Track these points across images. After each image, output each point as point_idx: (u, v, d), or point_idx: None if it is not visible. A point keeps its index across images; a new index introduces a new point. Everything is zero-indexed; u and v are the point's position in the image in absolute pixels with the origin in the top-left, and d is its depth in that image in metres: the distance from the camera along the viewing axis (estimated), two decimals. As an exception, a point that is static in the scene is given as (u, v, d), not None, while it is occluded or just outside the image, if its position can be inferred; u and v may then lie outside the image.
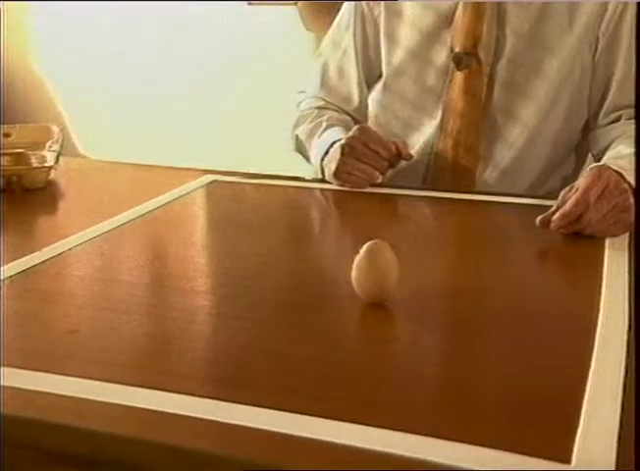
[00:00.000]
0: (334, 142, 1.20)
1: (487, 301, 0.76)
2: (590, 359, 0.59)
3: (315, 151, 1.26)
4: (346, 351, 0.66)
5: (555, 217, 0.94)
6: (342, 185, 1.19)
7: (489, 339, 0.67)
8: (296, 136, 1.35)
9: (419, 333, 0.68)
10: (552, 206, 0.96)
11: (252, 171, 1.30)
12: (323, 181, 1.22)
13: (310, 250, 0.99)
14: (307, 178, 1.27)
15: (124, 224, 1.04)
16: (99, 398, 0.59)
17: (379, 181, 1.17)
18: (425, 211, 1.16)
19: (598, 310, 0.71)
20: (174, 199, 1.17)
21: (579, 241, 0.93)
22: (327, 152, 1.21)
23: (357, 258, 0.72)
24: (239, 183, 1.27)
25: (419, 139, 1.29)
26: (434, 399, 0.57)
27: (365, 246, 0.72)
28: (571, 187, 0.98)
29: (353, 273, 0.72)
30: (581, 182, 0.96)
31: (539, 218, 0.95)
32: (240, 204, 1.18)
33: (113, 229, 1.02)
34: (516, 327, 0.68)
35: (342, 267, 0.78)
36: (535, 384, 0.57)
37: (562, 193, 0.98)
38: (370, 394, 0.58)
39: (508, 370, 0.60)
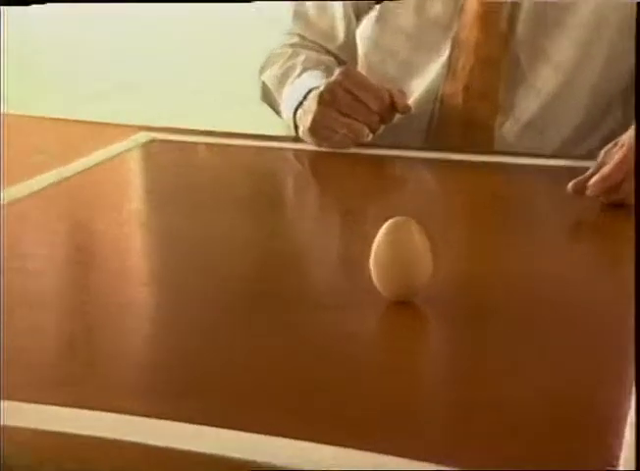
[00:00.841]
0: (311, 90, 1.08)
1: (515, 293, 0.67)
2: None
3: (287, 102, 1.14)
4: (348, 366, 0.56)
5: (592, 181, 0.85)
6: (320, 145, 1.07)
7: (530, 346, 0.59)
8: (263, 83, 1.23)
9: (448, 338, 0.62)
10: (589, 169, 0.87)
11: (202, 128, 1.18)
12: (297, 139, 1.10)
13: (285, 227, 0.89)
14: (276, 135, 1.16)
15: (34, 193, 0.90)
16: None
17: (367, 139, 1.04)
18: (428, 177, 1.08)
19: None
20: (99, 163, 1.02)
21: (621, 214, 0.84)
22: (302, 103, 1.09)
23: (377, 242, 0.62)
24: (184, 142, 1.13)
25: (421, 84, 1.17)
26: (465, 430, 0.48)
27: (387, 226, 0.62)
28: (615, 144, 0.88)
29: (373, 261, 0.62)
30: (627, 137, 0.87)
31: (572, 183, 0.86)
32: (186, 170, 1.04)
33: (19, 199, 0.88)
34: (556, 326, 0.62)
35: (328, 247, 0.76)
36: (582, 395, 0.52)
37: (604, 151, 0.88)
38: (381, 418, 0.49)
39: (553, 383, 0.54)
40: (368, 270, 0.63)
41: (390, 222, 0.61)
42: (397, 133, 1.12)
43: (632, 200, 0.82)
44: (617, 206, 0.85)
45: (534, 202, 0.95)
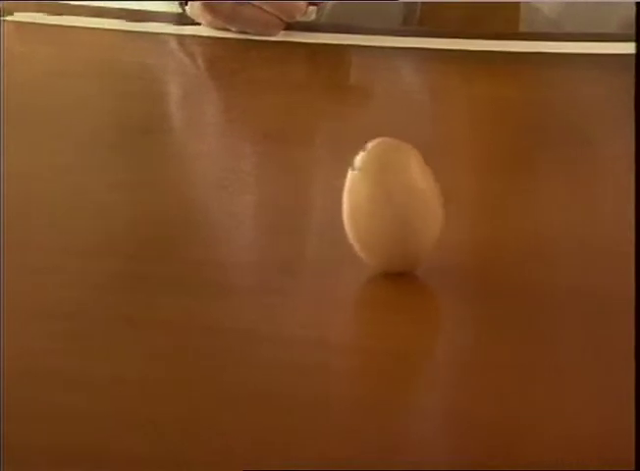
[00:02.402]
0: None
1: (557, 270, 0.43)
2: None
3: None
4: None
5: None
6: (224, 29, 0.80)
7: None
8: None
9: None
10: None
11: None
12: (184, 18, 0.82)
13: (177, 165, 0.57)
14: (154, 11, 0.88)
15: None
16: None
17: (297, 18, 0.79)
18: (407, 77, 0.77)
19: None
20: None
21: None
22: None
23: (354, 185, 0.40)
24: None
25: None
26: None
27: (369, 156, 0.40)
28: None
29: (351, 217, 0.41)
30: None
31: None
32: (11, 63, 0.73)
33: None
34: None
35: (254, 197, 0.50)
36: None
37: None
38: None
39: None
40: (337, 229, 0.42)
41: (372, 148, 0.41)
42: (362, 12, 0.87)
43: None
44: None
45: (581, 115, 0.65)
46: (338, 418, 0.31)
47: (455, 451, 0.31)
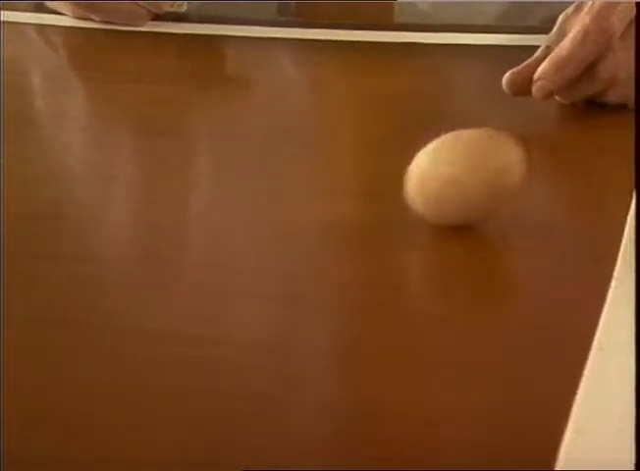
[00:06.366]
0: None
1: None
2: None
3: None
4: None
5: (541, 70, 0.62)
6: (87, 18, 0.76)
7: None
8: None
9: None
10: (538, 48, 0.64)
11: None
12: (44, 7, 0.78)
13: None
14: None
15: None
16: None
17: (165, 9, 0.77)
18: (283, 67, 0.73)
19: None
20: None
21: (599, 119, 0.61)
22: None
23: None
24: None
25: None
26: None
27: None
28: (577, 6, 0.66)
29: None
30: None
31: (508, 75, 0.62)
32: None
33: None
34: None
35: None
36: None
37: (561, 18, 0.67)
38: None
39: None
40: (214, 219, 0.43)
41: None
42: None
43: (612, 96, 0.64)
44: (591, 105, 0.62)
45: (448, 104, 0.66)
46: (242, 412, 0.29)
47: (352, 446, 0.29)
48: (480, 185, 0.44)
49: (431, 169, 0.43)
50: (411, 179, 0.42)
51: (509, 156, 0.45)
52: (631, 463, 0.28)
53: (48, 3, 0.77)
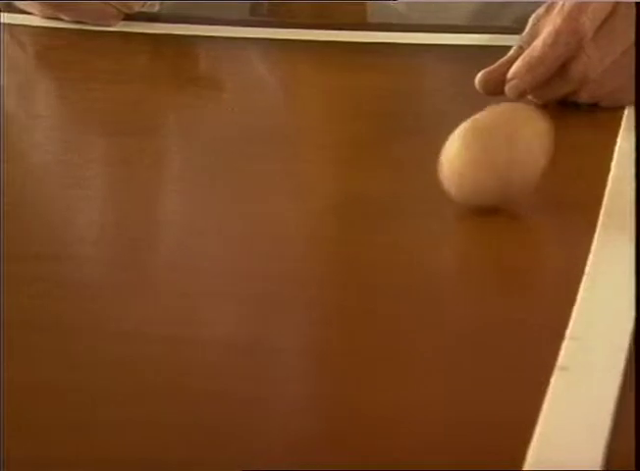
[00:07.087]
0: None
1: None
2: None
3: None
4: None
5: (513, 70, 0.63)
6: (57, 18, 0.75)
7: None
8: None
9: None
10: (511, 48, 0.65)
11: None
12: (11, 6, 0.77)
13: None
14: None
15: None
16: None
17: (136, 9, 0.76)
18: (255, 67, 0.74)
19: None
20: None
21: (571, 119, 0.62)
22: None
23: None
24: None
25: None
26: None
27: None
28: (549, 7, 0.66)
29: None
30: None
31: (481, 75, 0.63)
32: None
33: None
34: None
35: None
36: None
37: (532, 19, 0.67)
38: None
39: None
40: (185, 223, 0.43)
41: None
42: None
43: (584, 96, 0.65)
44: (564, 105, 0.63)
45: (424, 104, 0.68)
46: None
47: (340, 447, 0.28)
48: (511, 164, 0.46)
49: (461, 153, 0.45)
50: (443, 163, 0.44)
51: (540, 126, 0.48)
52: (599, 464, 0.27)
53: (17, 2, 0.75)
